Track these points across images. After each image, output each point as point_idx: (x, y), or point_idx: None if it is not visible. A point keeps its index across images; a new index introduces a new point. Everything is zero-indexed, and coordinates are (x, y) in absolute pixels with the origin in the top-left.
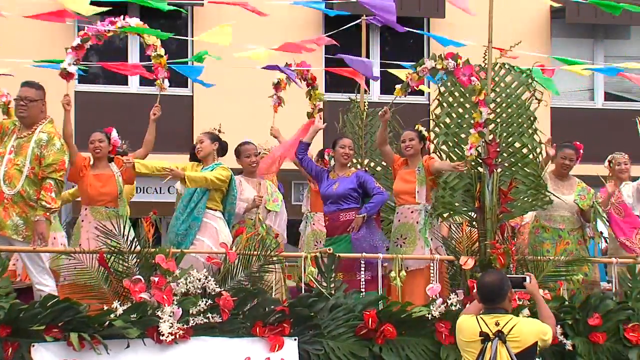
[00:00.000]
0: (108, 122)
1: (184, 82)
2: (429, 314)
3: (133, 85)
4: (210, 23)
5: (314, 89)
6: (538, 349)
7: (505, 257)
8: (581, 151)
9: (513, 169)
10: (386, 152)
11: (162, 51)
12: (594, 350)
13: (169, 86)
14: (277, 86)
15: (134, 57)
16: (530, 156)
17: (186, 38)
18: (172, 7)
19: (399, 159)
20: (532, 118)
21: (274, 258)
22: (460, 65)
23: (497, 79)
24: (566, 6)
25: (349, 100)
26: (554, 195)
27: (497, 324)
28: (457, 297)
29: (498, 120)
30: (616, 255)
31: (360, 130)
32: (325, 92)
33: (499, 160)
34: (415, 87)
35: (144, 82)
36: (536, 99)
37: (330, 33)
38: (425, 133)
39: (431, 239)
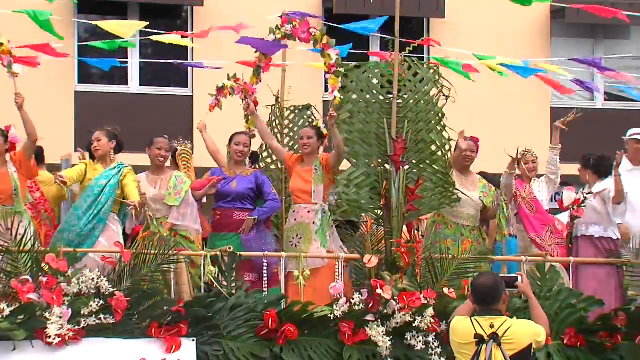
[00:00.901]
0: (108, 122)
1: (184, 82)
2: (331, 313)
3: (133, 85)
4: (210, 22)
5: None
6: (532, 350)
7: (410, 256)
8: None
9: (421, 166)
10: (274, 147)
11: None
12: None
13: (169, 86)
14: (220, 90)
15: (134, 55)
16: (439, 153)
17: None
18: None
19: (292, 156)
20: (440, 114)
21: (173, 257)
22: (297, 26)
23: (404, 74)
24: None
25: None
26: (462, 192)
27: (491, 326)
28: (361, 296)
29: (405, 116)
30: (526, 254)
31: (281, 127)
32: (325, 92)
33: (407, 157)
34: (265, 69)
35: (144, 82)
36: (443, 94)
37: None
38: (324, 131)
39: (328, 237)
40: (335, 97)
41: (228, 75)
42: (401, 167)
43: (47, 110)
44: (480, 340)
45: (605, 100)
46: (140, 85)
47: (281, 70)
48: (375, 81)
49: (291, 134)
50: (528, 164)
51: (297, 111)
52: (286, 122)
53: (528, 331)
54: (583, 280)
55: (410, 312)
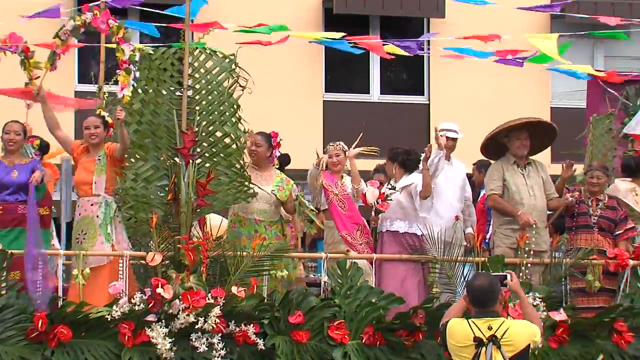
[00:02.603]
0: None
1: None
2: (109, 314)
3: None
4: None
5: (28, 58)
6: (530, 350)
7: (196, 254)
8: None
9: (215, 159)
10: (60, 137)
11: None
12: (297, 349)
13: None
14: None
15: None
16: (233, 146)
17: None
18: None
19: (79, 146)
20: (235, 106)
21: None
22: (97, 15)
23: (196, 64)
24: (566, 6)
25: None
26: (257, 186)
27: (489, 328)
28: (143, 296)
29: (197, 108)
30: (327, 251)
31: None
32: (325, 92)
33: (198, 150)
34: (62, 53)
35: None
36: (240, 85)
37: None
38: (109, 119)
39: (112, 231)
40: (124, 96)
41: None
42: (191, 161)
43: None
44: (479, 343)
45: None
46: None
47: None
48: (167, 71)
49: None
50: (332, 157)
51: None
52: None
53: (526, 332)
54: (386, 277)
55: (195, 313)
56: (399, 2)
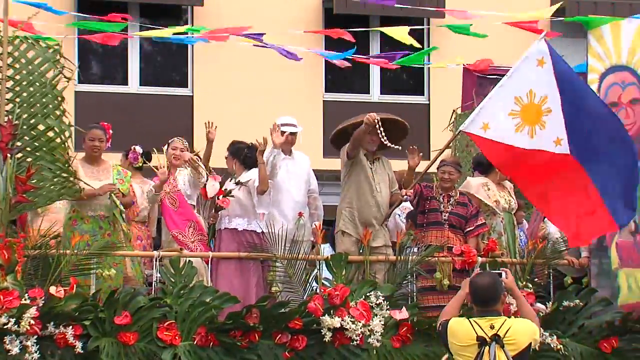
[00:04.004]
0: (108, 122)
1: (184, 82)
2: None
3: (133, 85)
4: (210, 23)
5: None
6: (530, 349)
7: (11, 252)
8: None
9: (37, 154)
10: None
11: None
12: (124, 352)
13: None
14: None
15: (134, 58)
16: (58, 140)
17: None
18: None
19: None
20: (59, 98)
21: None
22: None
23: (17, 54)
24: (566, 6)
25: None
26: (84, 183)
27: (492, 327)
28: None
29: (17, 99)
30: (161, 248)
31: None
32: (325, 92)
33: (18, 144)
34: None
35: (144, 82)
36: (64, 76)
37: None
38: None
39: None
40: None
41: None
42: (9, 155)
43: None
44: (482, 342)
45: None
46: (140, 85)
47: None
48: None
49: None
50: (176, 150)
51: None
52: None
53: (528, 330)
54: (223, 277)
55: (7, 314)
56: (398, 2)
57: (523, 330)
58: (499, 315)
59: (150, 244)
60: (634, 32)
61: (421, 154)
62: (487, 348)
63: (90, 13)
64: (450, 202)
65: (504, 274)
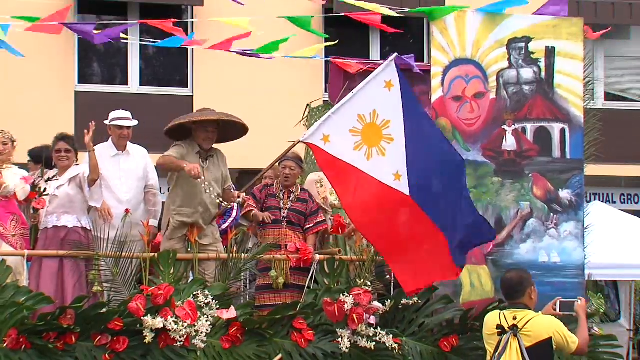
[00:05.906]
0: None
1: (184, 82)
2: None
3: (133, 85)
4: (209, 22)
5: None
6: (555, 345)
7: None
8: None
9: None
10: None
11: None
12: None
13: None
14: None
15: (134, 58)
16: None
17: None
18: None
19: None
20: None
21: None
22: None
23: None
24: (567, 6)
25: None
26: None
27: (514, 319)
28: None
29: None
30: None
31: None
32: (326, 92)
33: None
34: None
35: (144, 82)
36: None
37: None
38: None
39: None
40: None
41: None
42: None
43: (47, 110)
44: (502, 331)
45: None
46: (140, 85)
47: None
48: None
49: None
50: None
51: None
52: None
53: (548, 325)
54: (43, 276)
55: None
56: (399, 2)
57: (542, 324)
58: (525, 309)
59: None
60: (478, 25)
61: None
62: (505, 336)
63: (90, 13)
64: (291, 198)
65: (579, 301)
